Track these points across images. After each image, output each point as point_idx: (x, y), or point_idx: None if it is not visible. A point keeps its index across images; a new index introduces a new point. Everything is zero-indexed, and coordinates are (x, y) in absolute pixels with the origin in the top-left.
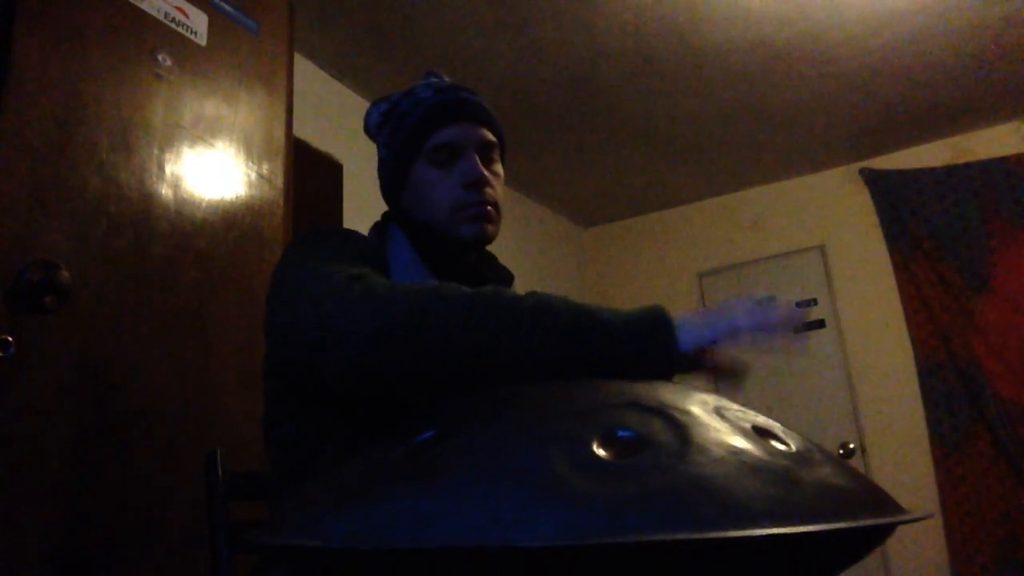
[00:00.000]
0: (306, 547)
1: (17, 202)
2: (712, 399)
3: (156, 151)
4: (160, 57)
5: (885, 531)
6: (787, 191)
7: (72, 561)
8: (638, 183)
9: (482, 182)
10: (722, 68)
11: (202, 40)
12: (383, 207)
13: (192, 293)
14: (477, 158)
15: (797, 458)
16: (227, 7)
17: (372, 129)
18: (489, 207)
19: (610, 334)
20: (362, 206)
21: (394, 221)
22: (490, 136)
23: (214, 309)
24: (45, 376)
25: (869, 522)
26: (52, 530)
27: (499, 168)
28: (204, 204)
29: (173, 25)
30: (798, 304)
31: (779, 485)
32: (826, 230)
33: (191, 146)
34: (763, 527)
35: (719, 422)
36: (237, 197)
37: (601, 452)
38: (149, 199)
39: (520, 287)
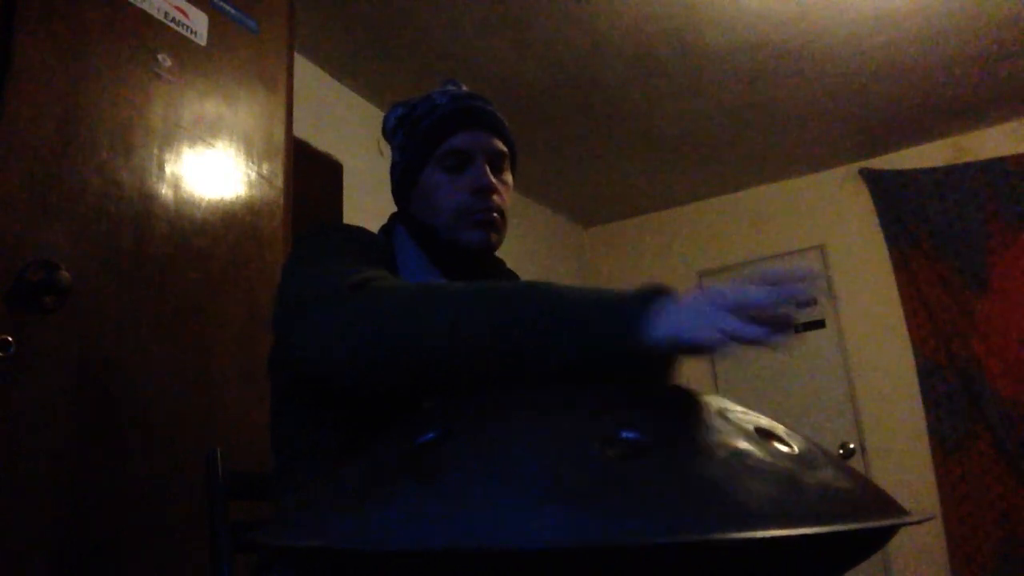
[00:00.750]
0: (307, 548)
1: (17, 202)
2: (715, 400)
3: (156, 151)
4: (160, 57)
5: (887, 533)
6: (787, 191)
7: (72, 561)
8: (638, 183)
9: (490, 190)
10: (722, 68)
11: (202, 40)
12: (383, 207)
13: (192, 293)
14: (487, 166)
15: (800, 460)
16: (227, 7)
17: (388, 132)
18: (495, 215)
19: (573, 309)
20: (362, 206)
21: (401, 224)
22: (501, 146)
23: (214, 309)
24: (45, 376)
25: (871, 524)
26: (52, 530)
27: (508, 178)
28: (204, 204)
29: (173, 25)
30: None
31: (782, 487)
32: (826, 230)
33: (191, 146)
34: (766, 529)
35: (722, 424)
36: (237, 197)
37: (604, 453)
38: (149, 199)
39: None
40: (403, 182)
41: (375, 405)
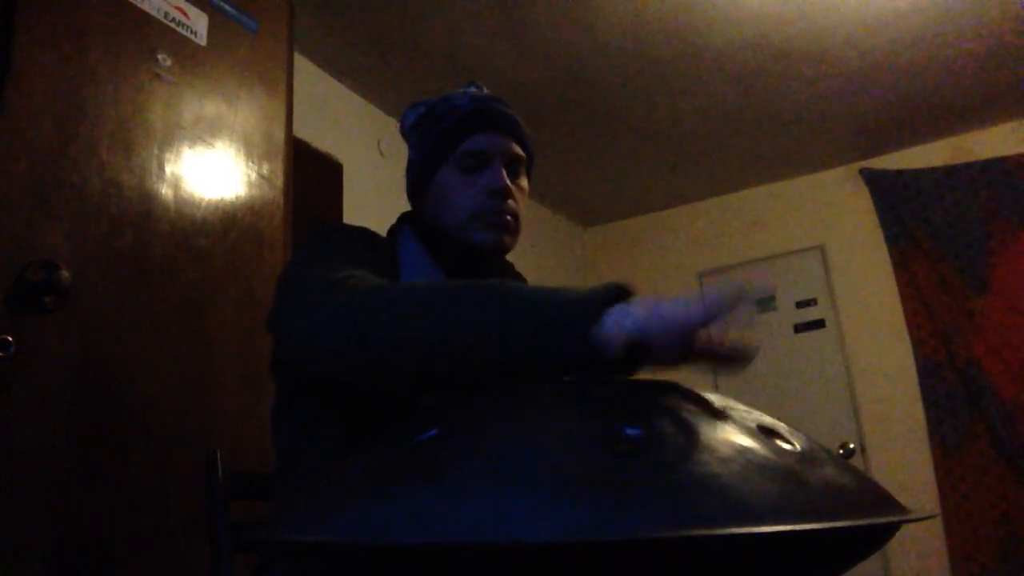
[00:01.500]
0: (309, 543)
1: (17, 202)
2: (718, 398)
3: (156, 151)
4: (160, 57)
5: (889, 530)
6: (787, 191)
7: (72, 561)
8: (638, 183)
9: (505, 192)
10: (722, 68)
11: (202, 40)
12: (383, 207)
13: (192, 293)
14: (503, 169)
15: (802, 457)
16: (227, 7)
17: (406, 130)
18: (508, 217)
19: (528, 307)
20: (362, 206)
21: (410, 224)
22: (519, 150)
23: (214, 309)
24: (45, 376)
25: (873, 521)
26: (52, 530)
27: (524, 182)
28: (204, 204)
29: (173, 25)
30: (798, 304)
31: (784, 484)
32: (826, 230)
33: (191, 146)
34: (768, 525)
35: (725, 421)
36: (237, 197)
37: (607, 450)
38: (149, 199)
39: None
40: (418, 181)
41: (376, 403)
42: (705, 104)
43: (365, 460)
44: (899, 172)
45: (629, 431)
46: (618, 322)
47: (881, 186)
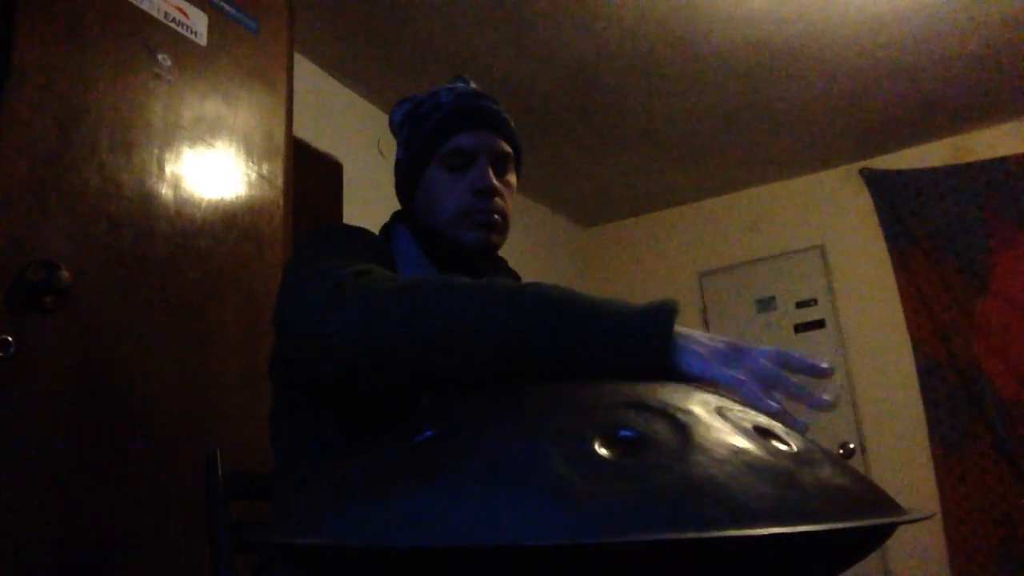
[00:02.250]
0: (307, 545)
1: (17, 202)
2: (714, 399)
3: (156, 151)
4: (160, 57)
5: (886, 531)
6: (787, 191)
7: (72, 561)
8: (638, 183)
9: (491, 191)
10: (722, 68)
11: (202, 40)
12: (383, 207)
13: (192, 293)
14: (489, 167)
15: (798, 458)
16: (227, 7)
17: (394, 127)
18: (496, 216)
19: (591, 326)
20: (362, 206)
21: (402, 222)
22: (505, 147)
23: (214, 309)
24: (45, 376)
25: (870, 522)
26: (52, 530)
27: (512, 179)
28: (204, 204)
29: (173, 25)
30: (798, 304)
31: (780, 485)
32: (826, 230)
33: (191, 146)
34: (764, 527)
35: (721, 422)
36: (237, 197)
37: (602, 452)
38: (149, 199)
39: None
40: (406, 179)
41: (375, 404)
42: (705, 104)
43: (364, 461)
44: (899, 172)
45: (624, 432)
46: (712, 371)
47: (881, 186)
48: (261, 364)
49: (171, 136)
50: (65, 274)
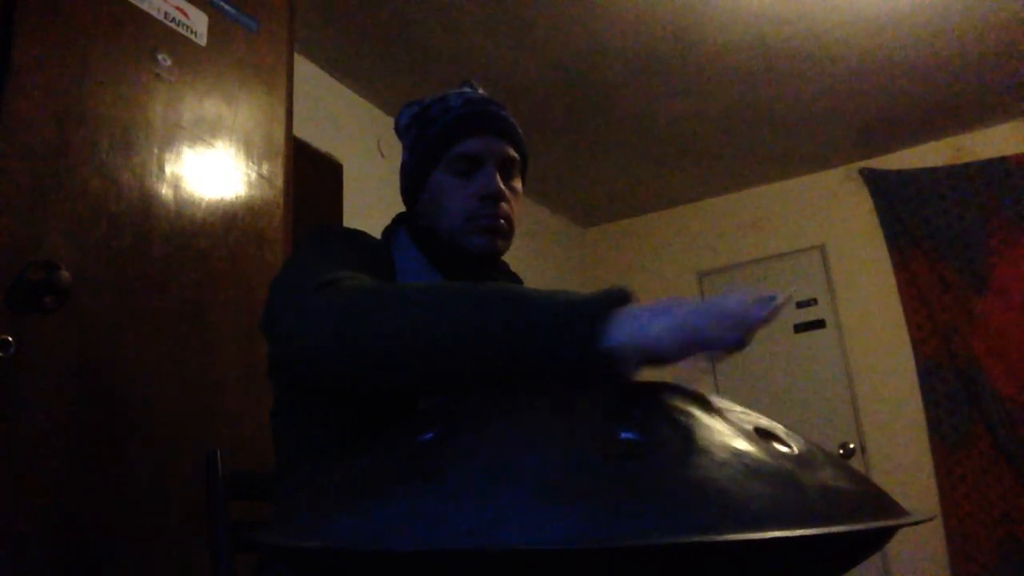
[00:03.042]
0: (307, 548)
1: (17, 202)
2: (715, 400)
3: (156, 151)
4: (160, 57)
5: (887, 534)
6: (787, 191)
7: (72, 561)
8: (638, 183)
9: (498, 197)
10: (722, 68)
11: (202, 40)
12: (383, 207)
13: (192, 293)
14: (496, 173)
15: (799, 460)
16: (227, 7)
17: (400, 130)
18: (502, 221)
19: (527, 314)
20: (362, 206)
21: (404, 225)
22: (513, 152)
23: (214, 309)
24: (45, 376)
25: (871, 525)
26: (52, 530)
27: (518, 184)
28: (204, 204)
29: (173, 25)
30: (798, 304)
31: (781, 487)
32: (826, 230)
33: (191, 146)
34: (765, 530)
35: (722, 424)
36: (237, 197)
37: (604, 454)
38: (149, 199)
39: None
40: (412, 182)
41: (374, 406)
42: (705, 104)
43: (364, 461)
44: (899, 172)
45: (625, 434)
46: (630, 333)
47: (881, 186)
48: (261, 364)
49: (171, 136)
50: (65, 274)
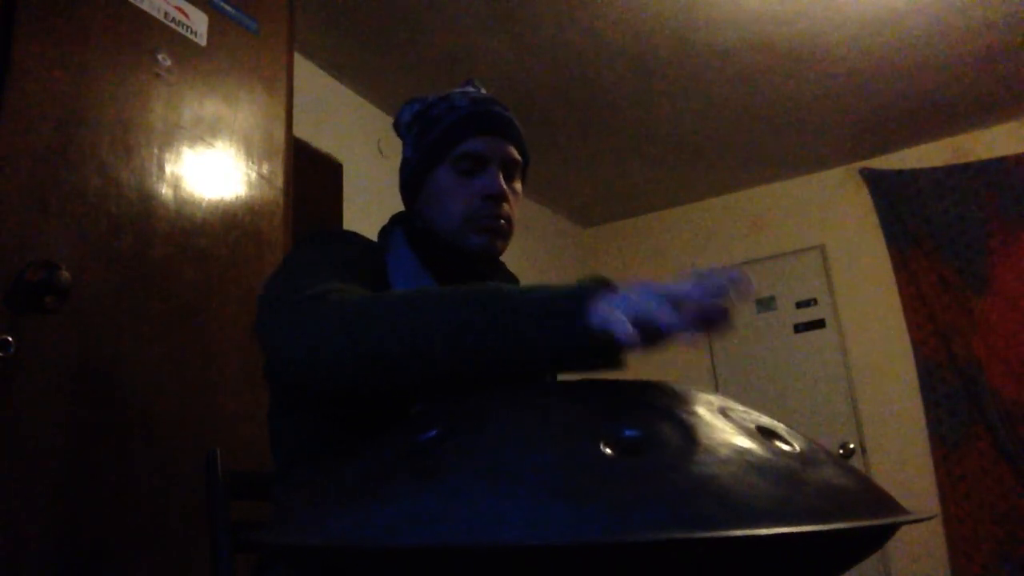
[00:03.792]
0: (308, 546)
1: (17, 202)
2: (717, 399)
3: (156, 151)
4: (160, 57)
5: (887, 531)
6: (787, 191)
7: (72, 561)
8: (638, 183)
9: (501, 197)
10: (722, 68)
11: (202, 40)
12: (383, 207)
13: (192, 293)
14: (500, 173)
15: (801, 458)
16: (227, 7)
17: (402, 127)
18: (502, 221)
19: (515, 304)
20: (362, 206)
21: (401, 226)
22: (516, 154)
23: (214, 309)
24: (45, 376)
25: (872, 522)
26: (52, 530)
27: (518, 186)
28: (204, 204)
29: (173, 25)
30: (798, 304)
31: (783, 485)
32: (826, 230)
33: (191, 146)
34: (767, 527)
35: (724, 422)
36: (237, 197)
37: (605, 451)
38: (149, 199)
39: None
40: (413, 179)
41: (373, 406)
42: (705, 104)
43: (364, 461)
44: (899, 172)
45: (628, 432)
46: (610, 308)
47: (881, 186)
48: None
49: (171, 136)
50: (65, 274)
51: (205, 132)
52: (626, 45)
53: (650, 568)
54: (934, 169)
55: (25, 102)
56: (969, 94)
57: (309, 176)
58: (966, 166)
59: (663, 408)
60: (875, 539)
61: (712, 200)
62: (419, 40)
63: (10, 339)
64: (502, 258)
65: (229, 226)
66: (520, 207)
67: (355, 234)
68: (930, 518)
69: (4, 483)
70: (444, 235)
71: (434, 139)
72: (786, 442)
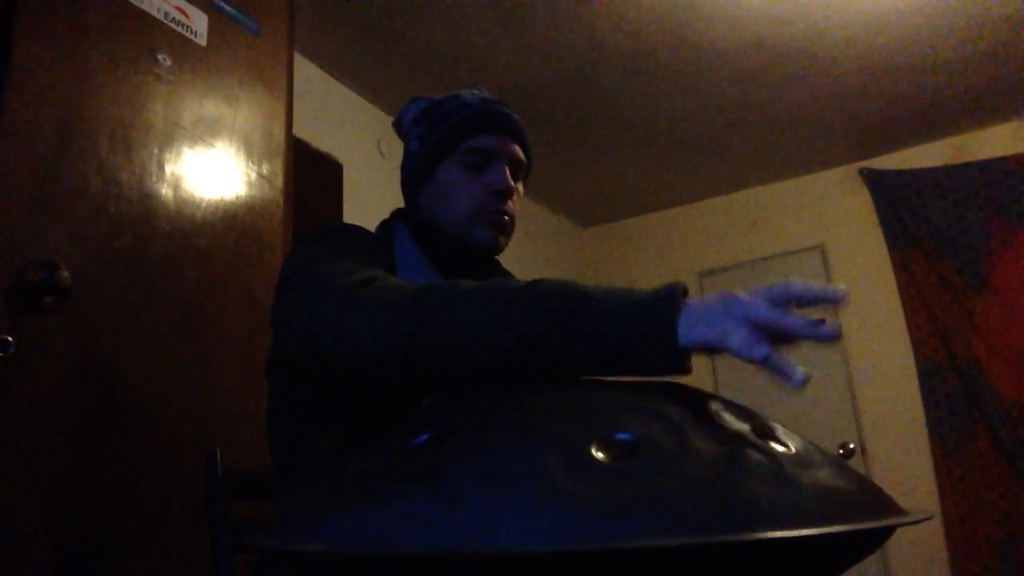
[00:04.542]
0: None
1: (17, 202)
2: (712, 400)
3: (156, 151)
4: (160, 57)
5: (885, 533)
6: (787, 191)
7: (72, 561)
8: (638, 183)
9: (507, 193)
10: (722, 68)
11: (202, 40)
12: (383, 207)
13: (192, 293)
14: (507, 170)
15: (797, 460)
16: (227, 7)
17: (406, 123)
18: (507, 217)
19: (596, 315)
20: (362, 206)
21: (403, 220)
22: (521, 155)
23: (214, 309)
24: (45, 376)
25: (869, 525)
26: (52, 530)
27: (520, 187)
28: (204, 204)
29: (173, 25)
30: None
31: (779, 487)
32: (826, 230)
33: (191, 146)
34: (763, 531)
35: (718, 424)
36: (237, 197)
37: (599, 455)
38: (149, 199)
39: None
40: (418, 173)
41: (372, 407)
42: (705, 104)
43: (363, 462)
44: (899, 172)
45: (621, 436)
46: (703, 333)
47: (881, 186)
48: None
49: (171, 136)
50: (65, 274)
51: (205, 132)
52: (626, 45)
53: (645, 573)
54: (934, 169)
55: (25, 102)
56: (969, 94)
57: (309, 176)
58: (966, 166)
59: (656, 410)
60: (873, 540)
61: (712, 200)
62: (419, 40)
63: (10, 339)
64: (502, 257)
65: (229, 226)
66: (520, 208)
67: (358, 227)
68: (928, 519)
69: (4, 483)
70: (448, 229)
71: (444, 133)
72: (781, 443)
